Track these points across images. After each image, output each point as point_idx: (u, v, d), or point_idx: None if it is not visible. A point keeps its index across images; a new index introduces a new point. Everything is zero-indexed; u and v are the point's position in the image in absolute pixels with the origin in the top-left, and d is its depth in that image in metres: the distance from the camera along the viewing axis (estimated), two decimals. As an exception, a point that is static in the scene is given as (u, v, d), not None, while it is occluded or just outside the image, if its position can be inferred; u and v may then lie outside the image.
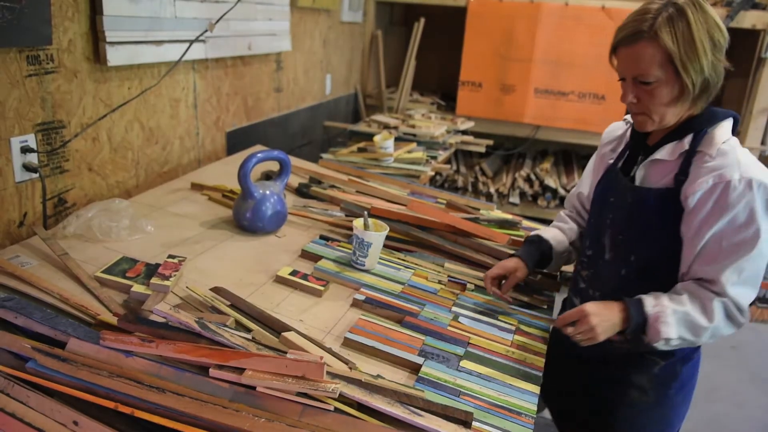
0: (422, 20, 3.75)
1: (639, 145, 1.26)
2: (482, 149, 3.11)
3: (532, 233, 1.44)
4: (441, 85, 4.35)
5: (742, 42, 3.57)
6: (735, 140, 1.14)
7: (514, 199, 3.69)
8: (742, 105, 3.53)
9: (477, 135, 3.30)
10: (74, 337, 0.95)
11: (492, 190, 3.70)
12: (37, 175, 1.43)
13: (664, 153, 1.17)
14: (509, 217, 1.82)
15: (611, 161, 1.32)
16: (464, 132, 3.28)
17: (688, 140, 1.15)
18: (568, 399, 1.18)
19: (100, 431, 0.81)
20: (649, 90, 1.12)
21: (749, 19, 3.18)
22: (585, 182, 1.44)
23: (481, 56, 3.55)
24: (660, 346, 1.13)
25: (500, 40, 3.48)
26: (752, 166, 1.08)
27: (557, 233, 1.43)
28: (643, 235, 1.19)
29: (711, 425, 2.54)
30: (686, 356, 1.27)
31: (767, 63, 3.20)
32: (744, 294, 1.12)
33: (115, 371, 0.89)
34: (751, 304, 1.15)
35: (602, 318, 1.13)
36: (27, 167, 1.41)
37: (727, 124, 1.16)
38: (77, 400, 0.85)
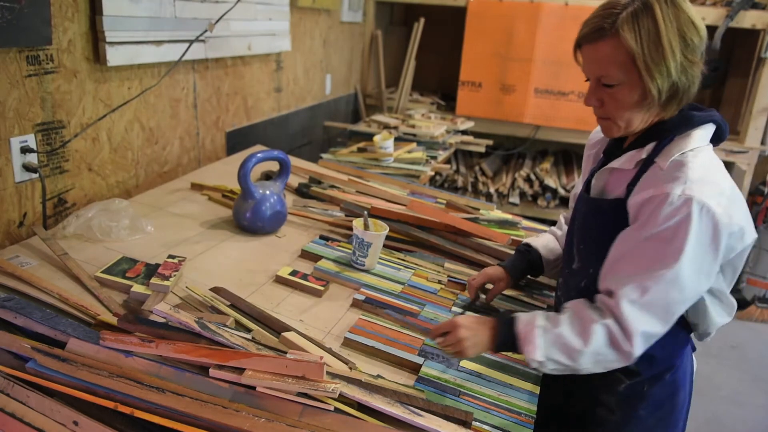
0: (422, 20, 3.75)
1: (613, 150, 1.15)
2: (482, 149, 3.11)
3: (524, 241, 1.39)
4: (441, 85, 4.35)
5: (742, 42, 3.58)
6: (703, 150, 1.01)
7: (514, 199, 3.69)
8: (742, 105, 3.53)
9: (477, 135, 3.30)
10: (74, 337, 0.95)
11: (492, 190, 3.70)
12: (36, 175, 1.43)
13: (621, 161, 1.08)
14: (509, 217, 1.82)
15: (594, 165, 1.23)
16: (464, 132, 3.28)
17: (649, 148, 1.04)
18: (541, 414, 1.10)
19: (100, 431, 0.81)
20: (612, 93, 1.01)
21: (749, 19, 3.18)
22: (580, 181, 1.38)
23: (481, 56, 3.55)
24: (537, 367, 1.02)
25: (500, 40, 3.48)
26: (701, 184, 0.93)
27: (549, 240, 1.37)
28: (597, 247, 1.07)
29: (711, 425, 2.55)
30: (655, 376, 1.15)
31: (767, 63, 3.20)
32: (639, 319, 0.95)
33: (115, 371, 0.89)
34: (750, 304, 1.10)
35: (472, 332, 1.04)
36: (27, 167, 1.41)
37: (700, 132, 1.02)
38: (77, 400, 0.85)
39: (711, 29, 3.32)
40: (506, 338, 1.04)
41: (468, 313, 1.29)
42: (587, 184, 1.18)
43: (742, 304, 3.56)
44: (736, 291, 3.58)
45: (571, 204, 1.41)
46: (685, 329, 1.14)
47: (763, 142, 3.34)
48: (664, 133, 1.03)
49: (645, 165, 1.03)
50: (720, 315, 1.11)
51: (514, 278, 1.32)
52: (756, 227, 3.44)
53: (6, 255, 1.27)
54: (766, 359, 3.11)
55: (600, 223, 1.08)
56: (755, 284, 3.55)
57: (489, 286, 1.34)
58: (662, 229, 0.94)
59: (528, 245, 1.36)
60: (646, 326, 0.96)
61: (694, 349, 1.24)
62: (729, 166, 3.50)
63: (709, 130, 1.04)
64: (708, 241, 0.93)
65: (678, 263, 0.93)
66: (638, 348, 0.96)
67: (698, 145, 1.01)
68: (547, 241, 1.37)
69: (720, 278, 1.06)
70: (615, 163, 1.08)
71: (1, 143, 1.34)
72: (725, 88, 3.87)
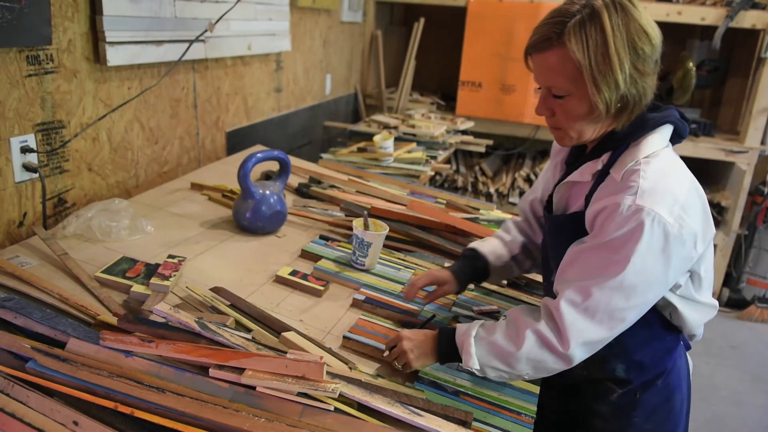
0: (422, 20, 3.75)
1: (575, 160, 1.11)
2: (482, 149, 3.11)
3: (470, 245, 1.32)
4: (441, 85, 4.35)
5: (742, 42, 3.58)
6: (658, 155, 0.97)
7: (514, 199, 3.69)
8: (742, 105, 3.53)
9: (477, 135, 3.30)
10: (74, 337, 0.95)
11: (492, 190, 3.70)
12: (36, 175, 1.43)
13: (578, 174, 1.05)
14: (509, 216, 1.82)
15: (557, 176, 1.20)
16: (464, 132, 3.28)
17: (604, 159, 1.01)
18: (537, 426, 1.09)
19: (100, 431, 0.81)
20: (562, 104, 0.98)
21: (749, 19, 3.18)
22: (538, 187, 1.30)
23: (481, 56, 3.55)
24: (480, 375, 1.02)
25: (500, 40, 3.48)
26: (654, 193, 0.91)
27: (497, 246, 1.31)
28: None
29: (711, 425, 2.55)
30: (647, 383, 1.14)
31: (767, 63, 3.20)
32: (576, 321, 0.93)
33: (115, 371, 0.89)
34: (750, 304, 1.09)
35: (414, 344, 1.04)
36: (27, 167, 1.41)
37: (655, 136, 0.99)
38: (77, 400, 0.85)
39: (711, 29, 3.32)
40: (448, 349, 1.03)
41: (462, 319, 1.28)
42: (549, 200, 1.16)
43: (742, 304, 3.56)
44: (736, 291, 3.58)
45: (522, 206, 1.36)
46: (673, 332, 1.13)
47: (763, 142, 3.34)
48: (618, 142, 1.00)
49: (601, 176, 1.01)
50: (700, 316, 1.10)
51: (460, 284, 1.26)
52: (756, 227, 3.44)
53: (6, 255, 1.26)
54: (766, 359, 3.11)
55: (565, 240, 1.04)
56: (755, 284, 3.55)
57: (430, 288, 1.27)
58: (611, 239, 0.92)
59: (475, 251, 1.29)
60: (585, 331, 0.94)
61: (688, 347, 1.23)
62: (729, 166, 3.50)
63: (665, 132, 1.01)
64: (658, 252, 0.91)
65: (624, 272, 0.91)
66: (576, 352, 0.95)
67: (654, 149, 0.98)
68: (494, 247, 1.30)
69: (689, 285, 1.05)
70: (573, 177, 1.06)
71: (1, 143, 1.34)
72: (725, 88, 3.87)
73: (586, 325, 0.94)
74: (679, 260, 0.94)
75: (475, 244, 1.32)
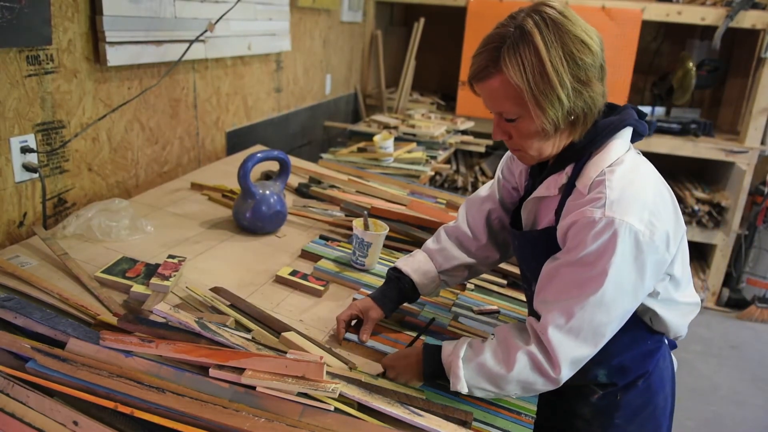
0: (422, 20, 3.75)
1: (538, 174, 1.09)
2: (482, 149, 3.11)
3: (395, 264, 1.24)
4: (441, 85, 4.35)
5: (742, 42, 3.58)
6: (622, 161, 0.96)
7: (514, 199, 3.69)
8: (742, 105, 3.53)
9: (477, 135, 3.30)
10: (74, 337, 0.95)
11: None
12: (36, 175, 1.43)
13: (543, 189, 1.03)
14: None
15: (522, 187, 1.17)
16: (464, 132, 3.28)
17: (568, 171, 1.00)
18: None
19: (100, 431, 0.81)
20: (515, 126, 0.96)
21: (749, 19, 3.18)
22: (493, 194, 1.26)
23: (481, 56, 3.55)
24: (470, 395, 0.99)
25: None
26: (622, 202, 0.90)
27: (422, 263, 1.22)
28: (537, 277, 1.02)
29: (711, 425, 2.55)
30: (628, 384, 1.13)
31: (767, 63, 3.20)
32: (565, 344, 0.92)
33: (115, 371, 0.89)
34: (750, 304, 1.08)
35: (398, 371, 1.03)
36: (27, 167, 1.41)
37: (617, 141, 0.98)
38: (77, 400, 0.85)
39: (711, 29, 3.32)
40: (434, 369, 1.01)
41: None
42: (515, 215, 1.14)
43: (742, 304, 3.56)
44: (736, 291, 3.58)
45: (471, 211, 1.28)
46: (654, 335, 1.12)
47: (763, 142, 3.34)
48: (580, 152, 0.98)
49: (568, 189, 0.99)
50: (681, 317, 1.09)
51: (385, 308, 1.18)
52: (756, 227, 3.44)
53: (6, 255, 1.26)
54: (766, 359, 3.11)
55: (537, 254, 1.03)
56: (755, 284, 3.55)
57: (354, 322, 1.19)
58: (585, 254, 0.91)
59: (398, 271, 1.22)
60: (572, 352, 0.93)
61: (674, 346, 1.22)
62: (729, 166, 3.50)
63: (625, 136, 0.99)
64: (631, 261, 0.90)
65: (603, 287, 0.90)
66: (565, 373, 0.93)
67: (617, 156, 0.96)
68: (419, 264, 1.22)
69: (668, 288, 1.04)
70: (539, 192, 1.04)
71: (1, 143, 1.34)
72: (725, 88, 3.87)
73: (573, 345, 0.93)
74: (654, 266, 0.93)
75: (399, 263, 1.23)
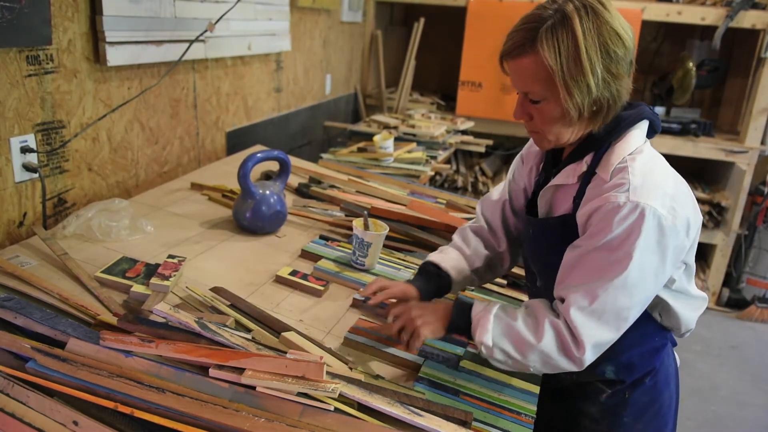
0: (422, 20, 3.75)
1: (552, 166, 1.12)
2: (482, 149, 3.11)
3: (430, 259, 1.24)
4: (441, 85, 4.35)
5: (742, 42, 3.58)
6: (641, 151, 0.99)
7: (514, 199, 3.69)
8: (742, 105, 3.53)
9: (477, 135, 3.30)
10: (74, 337, 0.95)
11: (492, 189, 3.71)
12: (36, 175, 1.43)
13: (563, 177, 1.05)
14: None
15: (534, 180, 1.18)
16: (464, 132, 3.28)
17: (588, 160, 1.01)
18: None
19: (100, 431, 0.81)
20: (539, 108, 0.98)
21: (749, 19, 3.18)
22: (505, 191, 1.28)
23: (481, 56, 3.55)
24: (485, 354, 1.00)
25: (500, 40, 3.45)
26: (645, 188, 0.92)
27: (458, 261, 1.23)
28: (555, 266, 1.03)
29: (711, 425, 2.55)
30: (636, 382, 1.14)
31: (767, 63, 3.20)
32: (587, 325, 0.93)
33: (115, 371, 0.89)
34: (750, 304, 1.09)
35: (424, 311, 1.05)
36: (27, 167, 1.41)
37: (636, 132, 1.00)
38: (77, 400, 0.85)
39: (711, 29, 3.32)
40: (460, 322, 1.03)
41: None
42: (530, 205, 1.15)
43: (742, 304, 3.56)
44: (736, 291, 3.58)
45: (486, 211, 1.30)
46: (661, 331, 1.13)
47: (763, 142, 3.34)
48: (600, 142, 1.01)
49: (587, 177, 1.01)
50: (692, 310, 1.10)
51: (424, 299, 1.19)
52: (756, 227, 3.44)
53: (6, 255, 1.26)
54: (766, 359, 3.11)
55: (552, 243, 1.04)
56: (755, 284, 3.55)
57: (392, 300, 1.19)
58: (611, 238, 0.92)
59: (438, 267, 1.22)
60: (595, 334, 0.94)
61: (674, 344, 1.23)
62: (729, 166, 3.50)
63: (643, 127, 1.02)
64: (654, 245, 0.92)
65: (627, 270, 0.91)
66: (589, 356, 0.95)
67: (636, 146, 0.99)
68: (456, 262, 1.23)
69: (682, 278, 1.05)
70: (557, 180, 1.06)
71: (1, 143, 1.34)
72: (725, 88, 3.87)
73: (595, 327, 0.94)
74: (674, 251, 0.95)
75: (436, 259, 1.23)
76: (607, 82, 0.94)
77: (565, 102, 0.94)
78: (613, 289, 0.92)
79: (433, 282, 1.20)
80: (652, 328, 1.12)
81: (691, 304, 1.10)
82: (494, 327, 0.99)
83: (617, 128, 1.00)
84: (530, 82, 0.96)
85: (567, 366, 0.96)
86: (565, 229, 1.02)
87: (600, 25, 0.91)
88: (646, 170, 0.95)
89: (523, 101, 1.00)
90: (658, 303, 1.07)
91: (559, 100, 0.95)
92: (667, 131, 3.41)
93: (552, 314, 0.98)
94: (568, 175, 1.04)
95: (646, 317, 1.08)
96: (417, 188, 2.07)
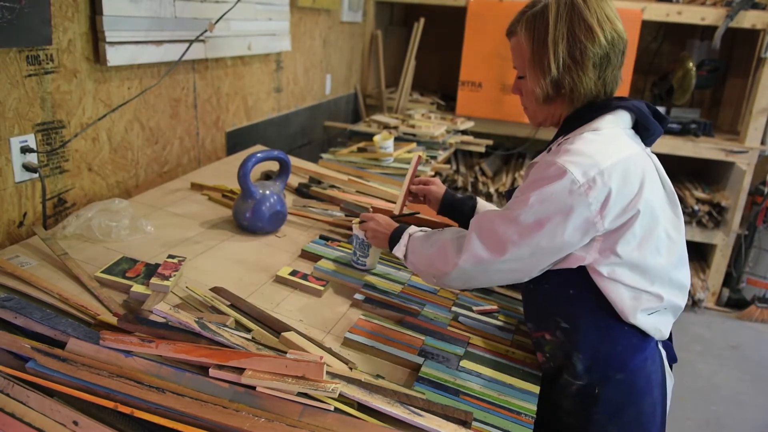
0: (422, 20, 3.75)
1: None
2: (482, 149, 3.11)
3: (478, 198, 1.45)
4: (441, 85, 4.35)
5: (742, 42, 3.58)
6: (601, 131, 1.04)
7: (514, 199, 3.68)
8: (742, 105, 3.53)
9: (477, 135, 3.30)
10: (74, 337, 0.95)
11: (492, 190, 3.70)
12: (36, 175, 1.43)
13: (537, 157, 1.12)
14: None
15: None
16: (464, 132, 3.28)
17: (559, 140, 1.10)
18: None
19: (100, 431, 0.81)
20: (523, 84, 1.13)
21: (749, 19, 3.18)
22: None
23: (481, 56, 3.55)
24: (401, 256, 1.21)
25: (500, 40, 3.46)
26: (574, 154, 1.00)
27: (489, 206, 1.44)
28: None
29: (711, 425, 2.55)
30: (604, 378, 1.11)
31: (767, 63, 3.20)
32: (474, 242, 1.06)
33: (115, 371, 0.89)
34: (750, 304, 1.07)
35: (379, 226, 1.28)
36: (27, 167, 1.41)
37: (608, 117, 1.06)
38: (77, 400, 0.85)
39: (711, 29, 3.32)
40: (395, 235, 1.24)
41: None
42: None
43: (742, 304, 3.56)
44: (736, 291, 3.58)
45: None
46: (637, 334, 1.09)
47: (763, 142, 3.34)
48: (570, 125, 1.10)
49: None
50: (631, 298, 1.05)
51: (441, 204, 1.43)
52: (756, 227, 3.44)
53: (6, 255, 1.26)
54: (766, 359, 3.11)
55: None
56: (755, 284, 3.55)
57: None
58: (526, 184, 1.04)
59: (474, 199, 1.44)
60: (477, 249, 1.06)
61: (674, 360, 1.20)
62: (729, 166, 3.50)
63: (619, 116, 1.07)
64: (558, 202, 0.98)
65: (521, 209, 1.01)
66: (463, 260, 1.07)
67: (602, 128, 1.05)
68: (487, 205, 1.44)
69: (616, 268, 1.03)
70: (536, 159, 1.13)
71: (1, 143, 1.34)
72: (725, 88, 3.87)
73: (478, 244, 1.06)
74: (580, 221, 0.99)
75: (480, 199, 1.45)
76: (569, 66, 1.04)
77: (531, 81, 1.08)
78: (505, 219, 1.04)
79: (462, 204, 1.42)
80: (614, 322, 1.07)
81: (639, 301, 1.05)
82: (408, 243, 1.20)
83: (589, 113, 1.08)
84: (516, 58, 1.12)
85: (443, 266, 1.09)
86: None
87: (573, 16, 1.03)
88: (585, 142, 1.02)
89: (516, 77, 1.15)
90: (595, 286, 1.05)
91: (533, 79, 1.08)
92: (667, 131, 3.41)
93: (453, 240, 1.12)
94: (541, 155, 1.12)
95: (600, 306, 1.06)
96: (417, 188, 2.07)
